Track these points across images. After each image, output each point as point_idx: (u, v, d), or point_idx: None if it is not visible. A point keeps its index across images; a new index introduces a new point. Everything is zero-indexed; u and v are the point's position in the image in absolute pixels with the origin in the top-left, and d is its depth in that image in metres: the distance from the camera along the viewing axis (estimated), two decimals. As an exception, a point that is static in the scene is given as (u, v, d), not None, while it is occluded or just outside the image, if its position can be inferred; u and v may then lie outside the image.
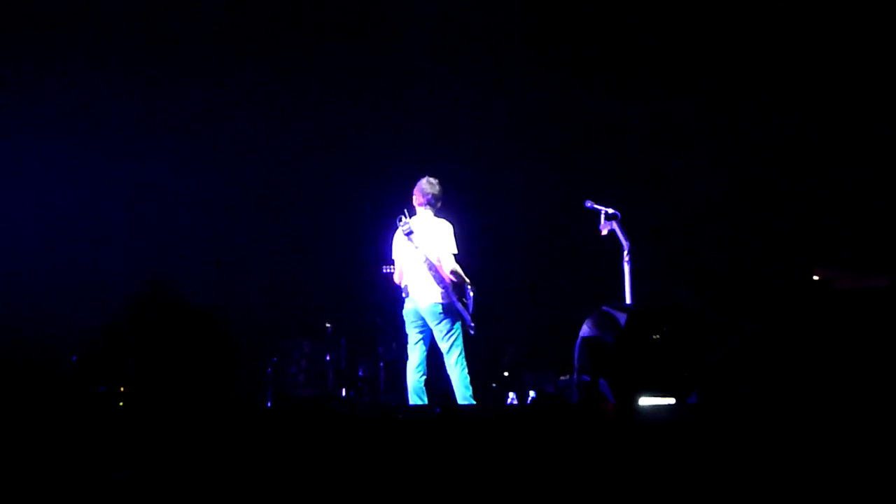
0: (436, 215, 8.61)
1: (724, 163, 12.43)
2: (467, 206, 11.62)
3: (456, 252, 8.44)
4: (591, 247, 9.15)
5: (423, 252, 8.32)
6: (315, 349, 10.81)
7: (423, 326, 8.55)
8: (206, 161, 11.79)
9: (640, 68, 12.15)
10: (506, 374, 11.61)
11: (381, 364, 10.96)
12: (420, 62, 12.25)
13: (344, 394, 10.65)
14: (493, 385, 11.40)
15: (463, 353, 8.45)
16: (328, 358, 10.88)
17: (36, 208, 11.19)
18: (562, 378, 10.57)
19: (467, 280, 8.49)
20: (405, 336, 8.69)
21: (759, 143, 12.31)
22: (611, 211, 8.58)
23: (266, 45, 11.82)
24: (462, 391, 8.40)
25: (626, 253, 8.44)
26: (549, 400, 6.18)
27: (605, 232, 8.59)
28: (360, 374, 10.95)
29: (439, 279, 8.32)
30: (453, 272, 8.35)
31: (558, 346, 9.83)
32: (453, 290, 8.36)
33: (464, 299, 8.44)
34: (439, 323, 8.42)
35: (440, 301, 8.36)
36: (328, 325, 10.98)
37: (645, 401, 6.91)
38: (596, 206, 8.65)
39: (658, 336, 7.21)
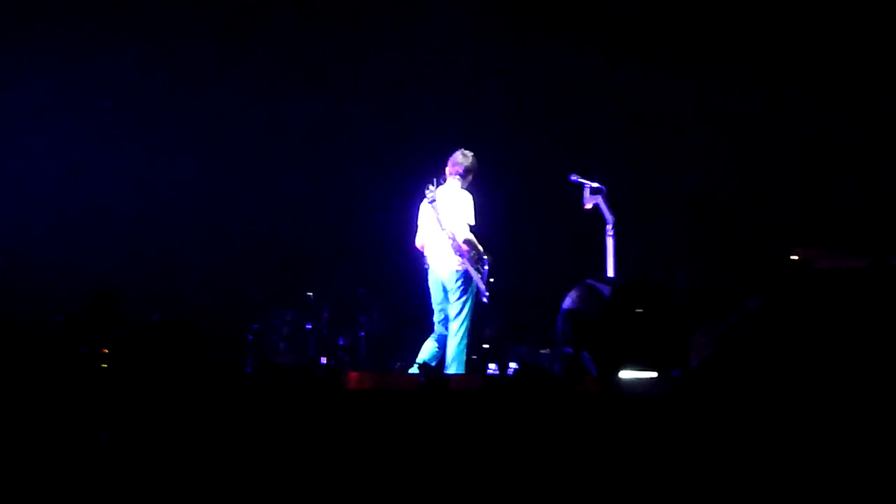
0: (465, 188, 8.61)
1: (710, 143, 12.44)
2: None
3: (472, 223, 8.43)
4: (575, 220, 9.12)
5: (442, 221, 8.35)
6: (296, 318, 10.75)
7: (443, 300, 8.58)
8: (188, 131, 11.71)
9: (635, 39, 12.11)
10: (486, 346, 11.59)
11: (362, 334, 10.93)
12: (404, 32, 12.23)
13: (324, 362, 10.61)
14: (474, 357, 11.38)
15: (467, 327, 8.47)
16: (309, 327, 10.82)
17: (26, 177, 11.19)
18: (543, 351, 10.58)
19: (482, 251, 8.48)
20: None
21: (748, 123, 12.31)
22: (596, 185, 8.56)
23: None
24: (453, 363, 8.41)
25: (609, 227, 8.44)
26: (531, 371, 6.15)
27: (589, 206, 8.58)
28: (341, 343, 10.91)
29: (457, 248, 8.35)
30: (466, 241, 8.35)
31: (541, 319, 9.84)
32: (470, 259, 8.37)
33: (479, 270, 8.43)
34: (453, 290, 8.46)
35: (457, 268, 8.41)
36: (310, 294, 10.92)
37: (627, 374, 6.92)
38: (581, 179, 8.63)
39: (642, 310, 7.21)
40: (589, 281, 7.56)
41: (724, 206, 12.34)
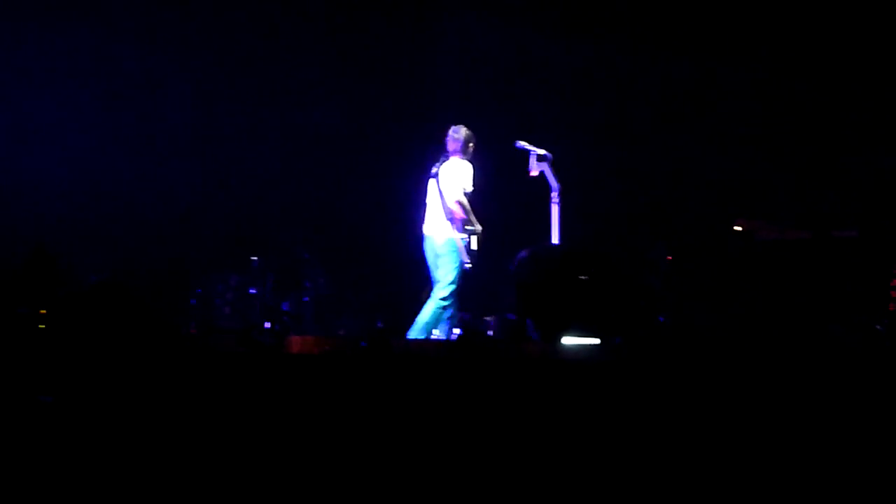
0: (467, 160, 8.90)
1: (654, 112, 12.47)
2: (396, 146, 11.59)
3: (468, 189, 8.74)
4: (520, 187, 9.17)
5: (443, 192, 8.75)
6: (241, 282, 10.66)
7: (434, 267, 8.88)
8: (130, 90, 11.57)
9: (583, 11, 12.13)
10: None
11: (307, 299, 10.89)
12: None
13: (268, 327, 10.55)
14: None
15: (451, 292, 8.71)
16: (254, 291, 10.75)
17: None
18: (487, 318, 10.60)
19: (472, 218, 8.74)
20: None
21: (689, 92, 12.36)
22: (542, 152, 8.59)
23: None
24: (420, 325, 8.65)
25: (555, 195, 8.48)
26: (474, 337, 6.18)
27: (535, 173, 8.61)
28: (286, 308, 10.85)
29: (449, 215, 8.68)
30: (458, 202, 8.66)
31: (485, 285, 9.85)
32: (458, 224, 8.69)
33: (465, 235, 8.72)
34: (441, 256, 8.78)
35: (442, 234, 8.75)
36: (254, 258, 10.85)
37: (570, 340, 6.96)
38: (527, 146, 8.66)
39: (585, 277, 7.26)
40: (533, 248, 7.60)
41: (667, 179, 12.41)
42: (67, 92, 11.36)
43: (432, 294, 8.74)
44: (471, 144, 8.93)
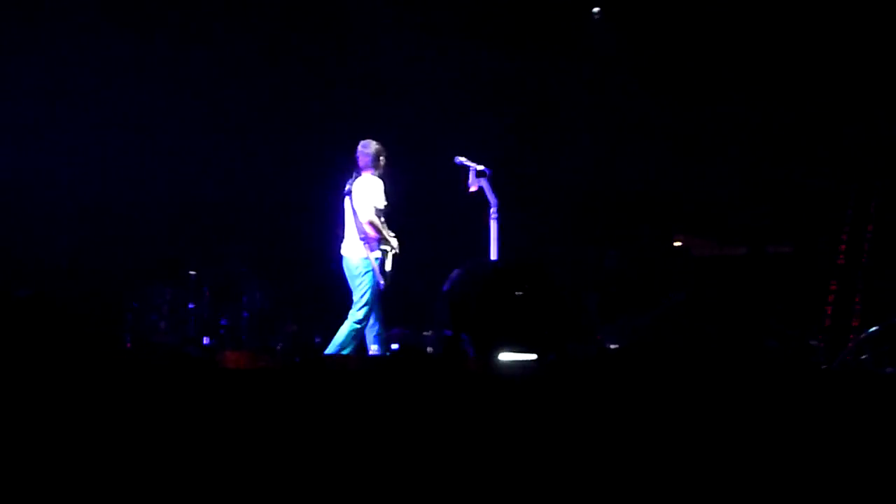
0: (379, 175, 8.86)
1: (593, 126, 12.58)
2: (334, 159, 11.58)
3: (380, 207, 8.69)
4: (458, 203, 9.18)
5: (356, 210, 8.67)
6: (177, 296, 10.57)
7: (351, 279, 8.80)
8: (57, 99, 11.43)
9: (519, 27, 12.21)
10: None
11: (246, 314, 10.82)
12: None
13: (206, 342, 10.48)
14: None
15: (365, 314, 8.62)
16: (191, 306, 10.66)
17: None
18: (425, 333, 10.60)
19: (387, 235, 8.70)
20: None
21: (632, 109, 12.47)
22: (481, 168, 8.62)
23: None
24: (335, 345, 8.54)
25: (493, 210, 8.50)
26: (410, 353, 6.17)
27: (474, 188, 8.63)
28: (224, 322, 10.77)
29: (363, 235, 8.61)
30: (370, 223, 8.59)
31: (423, 300, 9.85)
32: (372, 244, 8.63)
33: (378, 254, 8.65)
34: (354, 276, 8.72)
35: (358, 255, 8.67)
36: (192, 272, 10.77)
37: (505, 356, 6.97)
38: (466, 162, 8.69)
39: (521, 293, 7.28)
40: (469, 263, 7.62)
41: (608, 193, 12.50)
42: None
43: (349, 314, 8.66)
44: (381, 158, 8.90)
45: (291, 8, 12.06)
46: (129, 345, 10.09)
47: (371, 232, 8.59)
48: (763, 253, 11.37)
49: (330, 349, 8.51)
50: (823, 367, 9.06)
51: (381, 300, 8.72)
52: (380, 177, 8.83)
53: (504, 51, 12.11)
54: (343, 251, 8.80)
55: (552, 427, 5.05)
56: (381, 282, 8.61)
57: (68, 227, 11.17)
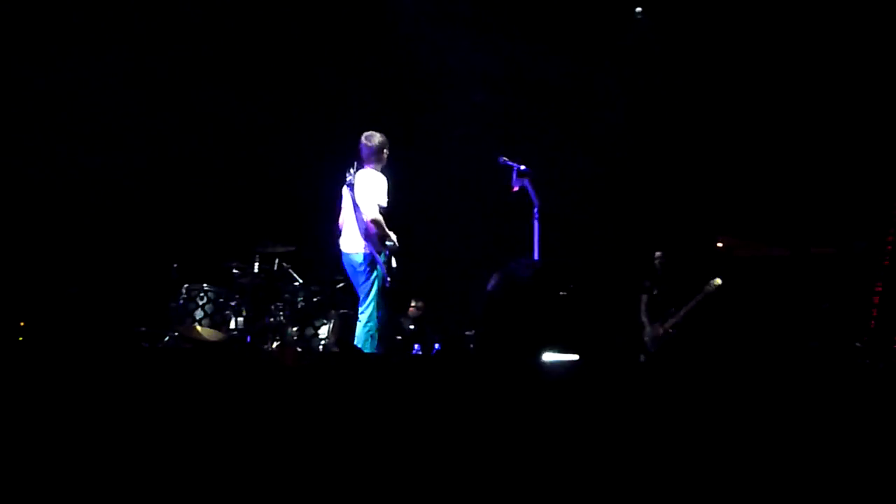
0: (380, 170, 8.73)
1: (635, 127, 12.55)
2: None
3: (383, 204, 8.54)
4: (501, 203, 9.18)
5: (358, 204, 8.46)
6: (220, 292, 10.60)
7: (356, 283, 8.70)
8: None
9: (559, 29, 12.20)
10: (411, 327, 11.60)
11: (288, 313, 10.83)
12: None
13: (249, 340, 10.53)
14: (398, 338, 11.38)
15: (373, 310, 8.51)
16: (234, 303, 10.68)
17: None
18: (468, 332, 10.60)
19: (389, 233, 8.56)
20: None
21: (673, 111, 12.44)
22: (523, 168, 8.60)
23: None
24: (359, 342, 8.46)
25: (535, 210, 8.48)
26: (454, 352, 6.17)
27: (516, 188, 8.62)
28: (267, 320, 10.80)
29: (364, 230, 8.42)
30: (373, 221, 8.43)
31: (467, 300, 9.86)
32: (375, 241, 8.47)
33: (383, 252, 8.53)
34: (357, 273, 8.58)
35: (362, 251, 8.50)
36: (236, 271, 10.81)
37: (548, 356, 6.94)
38: (509, 162, 8.67)
39: (565, 292, 7.24)
40: (513, 263, 7.58)
41: (651, 195, 12.48)
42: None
43: (359, 316, 8.58)
44: (385, 151, 8.80)
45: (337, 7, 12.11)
46: (170, 342, 10.13)
47: (374, 230, 8.46)
48: (807, 254, 11.31)
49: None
50: (869, 367, 8.98)
51: (388, 296, 8.59)
52: (382, 171, 8.72)
53: (547, 48, 12.10)
54: (344, 247, 8.68)
55: (594, 429, 5.04)
56: (389, 279, 8.51)
57: (113, 225, 11.28)
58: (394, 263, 8.58)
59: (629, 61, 12.57)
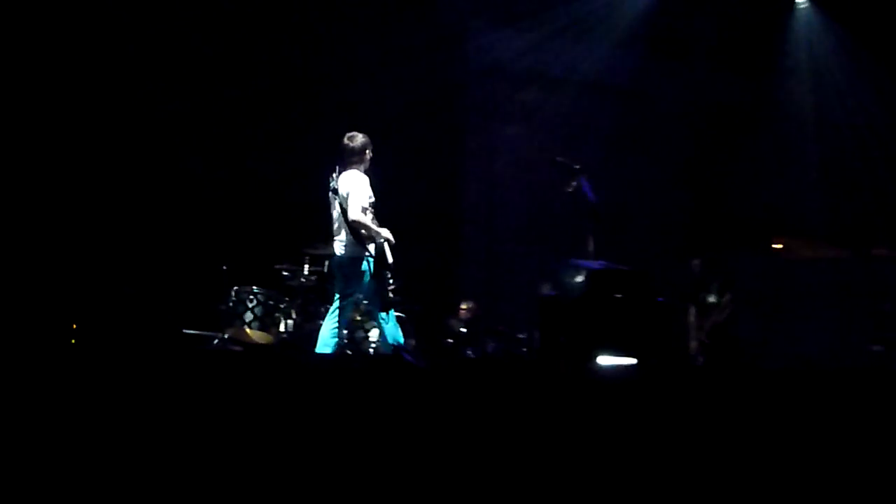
0: (364, 170, 8.59)
1: (688, 126, 12.45)
2: (427, 160, 11.56)
3: (365, 205, 8.37)
4: (556, 202, 9.09)
5: (344, 207, 8.35)
6: (270, 294, 10.53)
7: (343, 280, 8.59)
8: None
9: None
10: (462, 329, 11.46)
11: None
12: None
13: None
14: (449, 341, 11.26)
15: (340, 316, 8.49)
16: (283, 305, 10.61)
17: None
18: (520, 335, 10.50)
19: (379, 230, 8.36)
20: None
21: (730, 111, 12.33)
22: (579, 167, 8.49)
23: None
24: (385, 345, 8.50)
25: (591, 210, 8.35)
26: (506, 356, 6.08)
27: (572, 188, 8.50)
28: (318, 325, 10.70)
29: (354, 233, 8.32)
30: (355, 222, 8.28)
31: (519, 302, 9.78)
32: (365, 241, 8.34)
33: (377, 250, 8.36)
34: (340, 276, 8.55)
35: (351, 254, 8.42)
36: (286, 273, 10.76)
37: (604, 360, 6.84)
38: (565, 161, 8.57)
39: (620, 295, 7.13)
40: (567, 264, 7.49)
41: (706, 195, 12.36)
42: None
43: (376, 320, 8.55)
44: (368, 152, 8.64)
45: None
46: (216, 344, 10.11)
47: (363, 232, 8.32)
48: (867, 255, 11.16)
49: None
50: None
51: (384, 296, 8.44)
52: (365, 172, 8.56)
53: (602, 48, 12.04)
54: (336, 249, 8.60)
55: (651, 433, 4.94)
56: (391, 279, 8.34)
57: (164, 226, 11.32)
58: (389, 259, 8.33)
59: (689, 60, 12.45)
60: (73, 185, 10.99)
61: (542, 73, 12.41)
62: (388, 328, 8.47)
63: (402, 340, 8.54)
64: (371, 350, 9.97)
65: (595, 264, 8.02)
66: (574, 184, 8.46)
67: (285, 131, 12.00)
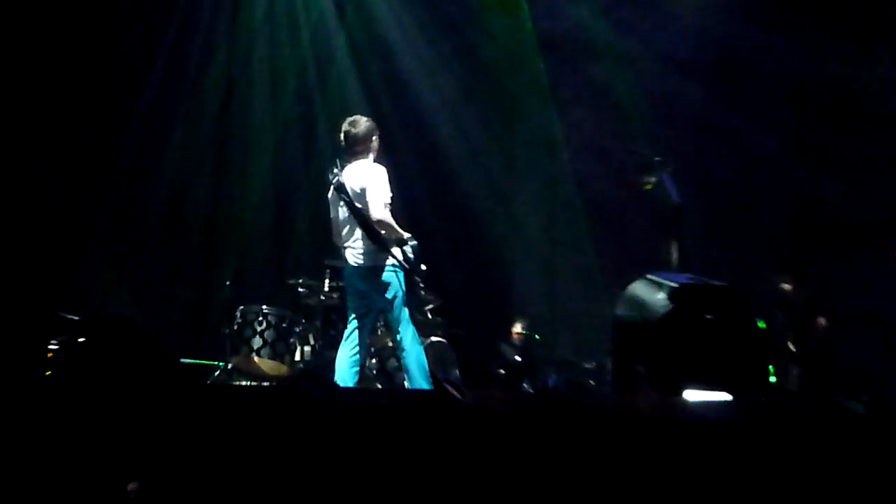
0: (374, 160, 8.53)
1: (800, 113, 12.44)
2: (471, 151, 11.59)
3: (388, 200, 8.31)
4: (630, 203, 9.05)
5: (357, 205, 8.24)
6: (281, 317, 10.53)
7: (362, 296, 8.54)
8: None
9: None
10: (518, 358, 11.36)
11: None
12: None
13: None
14: (501, 371, 11.22)
15: (407, 322, 8.45)
16: (297, 329, 10.62)
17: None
18: (587, 364, 10.46)
19: (402, 233, 8.32)
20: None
21: (842, 92, 12.31)
22: (660, 159, 8.41)
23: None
24: (416, 375, 8.37)
25: (675, 211, 8.26)
26: (573, 390, 6.03)
27: (650, 185, 8.44)
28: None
29: (375, 236, 8.20)
30: (380, 222, 8.20)
31: (587, 324, 9.75)
32: (390, 246, 8.23)
33: (404, 256, 8.28)
34: (379, 288, 8.37)
35: (379, 263, 8.33)
36: (301, 289, 10.80)
37: (692, 394, 6.79)
38: (641, 151, 8.53)
39: (711, 316, 7.07)
40: (647, 279, 7.44)
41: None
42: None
43: (398, 342, 8.48)
44: (374, 139, 8.56)
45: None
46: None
47: (388, 232, 8.24)
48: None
49: (413, 382, 8.40)
50: None
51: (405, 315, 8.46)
52: (375, 161, 8.51)
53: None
54: (350, 260, 8.49)
55: (755, 485, 4.89)
56: (422, 283, 8.55)
57: (165, 236, 11.47)
58: (422, 266, 8.35)
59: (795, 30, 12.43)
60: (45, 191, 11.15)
61: (612, 46, 12.41)
62: (412, 355, 8.40)
63: (426, 367, 8.46)
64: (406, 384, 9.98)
65: (681, 278, 7.93)
66: (654, 180, 8.39)
67: (308, 130, 12.15)
